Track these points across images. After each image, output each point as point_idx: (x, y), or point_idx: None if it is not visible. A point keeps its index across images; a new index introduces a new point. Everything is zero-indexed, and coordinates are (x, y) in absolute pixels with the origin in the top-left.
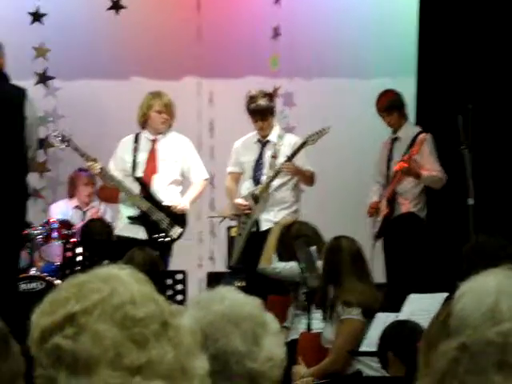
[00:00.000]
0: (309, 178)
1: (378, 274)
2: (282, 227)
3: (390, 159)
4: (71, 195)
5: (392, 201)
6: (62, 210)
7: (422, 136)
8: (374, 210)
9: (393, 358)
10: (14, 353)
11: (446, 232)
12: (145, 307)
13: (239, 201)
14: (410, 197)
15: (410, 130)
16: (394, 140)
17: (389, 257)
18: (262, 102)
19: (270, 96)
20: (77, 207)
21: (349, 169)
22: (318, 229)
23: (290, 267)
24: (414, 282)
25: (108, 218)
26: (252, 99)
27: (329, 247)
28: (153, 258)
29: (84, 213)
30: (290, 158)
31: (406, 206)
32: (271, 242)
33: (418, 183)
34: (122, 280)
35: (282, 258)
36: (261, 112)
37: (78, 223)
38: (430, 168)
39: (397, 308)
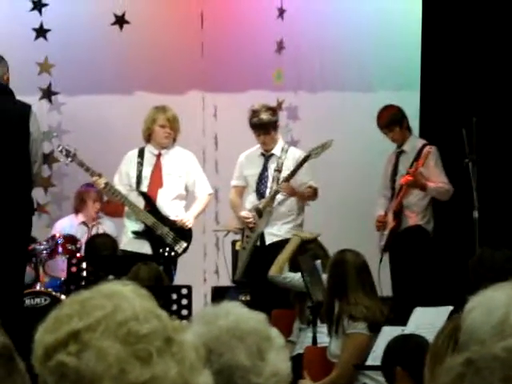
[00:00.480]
0: (308, 197)
1: (386, 287)
2: (301, 240)
3: (395, 173)
4: (77, 210)
5: (399, 214)
6: (67, 225)
7: (427, 149)
8: (381, 224)
9: (401, 373)
10: (19, 369)
11: (452, 245)
12: (148, 323)
13: (244, 214)
14: (417, 209)
15: (414, 142)
16: (399, 153)
17: (395, 270)
18: (265, 116)
19: (273, 110)
20: (83, 223)
21: (353, 182)
22: (322, 243)
23: (299, 277)
24: (420, 296)
25: (112, 232)
26: (254, 113)
27: (333, 261)
28: (158, 272)
29: (89, 229)
30: (288, 178)
31: (413, 219)
32: (287, 251)
33: (424, 195)
34: (125, 296)
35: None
36: (263, 126)
37: (83, 239)
38: (436, 180)
39: (403, 321)
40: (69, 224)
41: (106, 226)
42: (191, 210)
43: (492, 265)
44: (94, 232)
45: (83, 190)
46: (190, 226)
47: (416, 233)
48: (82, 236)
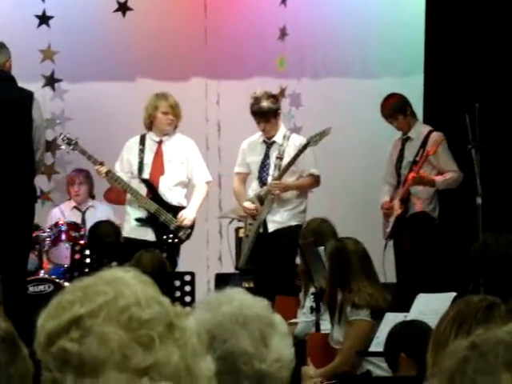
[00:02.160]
0: (308, 186)
1: (390, 274)
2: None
3: (401, 159)
4: (70, 197)
5: (406, 201)
6: (57, 213)
7: (437, 137)
8: (388, 211)
9: (406, 359)
10: (22, 355)
11: (455, 232)
12: (150, 309)
13: (247, 204)
14: (424, 196)
15: (420, 129)
16: (405, 140)
17: (399, 256)
18: (265, 104)
19: (275, 97)
20: (75, 208)
21: (356, 169)
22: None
23: None
24: (424, 282)
25: (107, 216)
26: (255, 101)
27: (333, 249)
28: (160, 259)
29: (83, 213)
30: (279, 176)
31: (418, 205)
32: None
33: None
34: (127, 282)
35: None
36: (263, 114)
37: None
38: (446, 167)
39: (406, 308)
40: (60, 211)
41: (101, 209)
42: (191, 205)
43: (496, 250)
44: (87, 216)
45: (67, 176)
46: (189, 224)
47: (422, 219)
48: (77, 221)
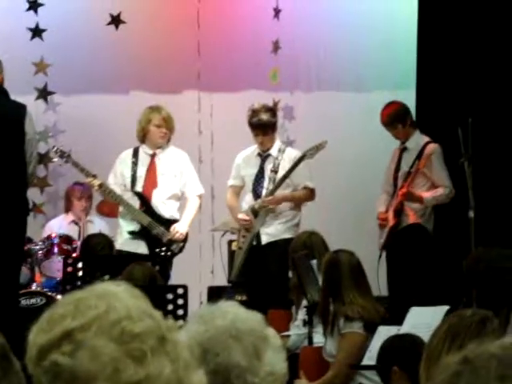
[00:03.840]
0: (302, 199)
1: (384, 286)
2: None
3: (397, 169)
4: (67, 210)
5: (399, 212)
6: (56, 226)
7: (429, 149)
8: (383, 222)
9: (398, 372)
10: (15, 369)
11: (448, 245)
12: (142, 322)
13: (241, 216)
14: (417, 207)
15: (418, 139)
16: (403, 150)
17: (392, 269)
18: (264, 116)
19: (273, 111)
20: (73, 222)
21: (349, 182)
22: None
23: None
24: (416, 295)
25: (104, 231)
26: (254, 113)
27: (328, 261)
28: (152, 272)
29: (80, 228)
30: (273, 191)
31: (412, 216)
32: None
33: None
34: (118, 296)
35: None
36: (262, 127)
37: (76, 238)
38: (437, 181)
39: (399, 321)
40: (58, 224)
41: (97, 224)
42: (183, 219)
43: (489, 264)
44: (85, 230)
45: (69, 189)
46: (181, 238)
47: (415, 231)
48: (74, 235)
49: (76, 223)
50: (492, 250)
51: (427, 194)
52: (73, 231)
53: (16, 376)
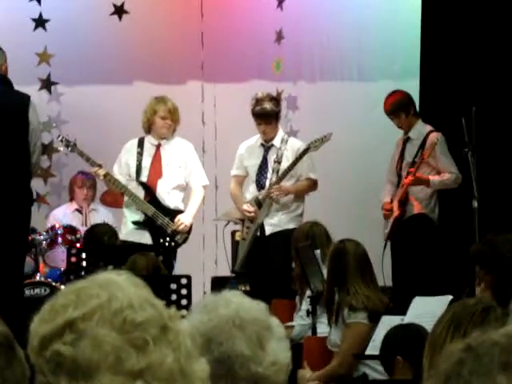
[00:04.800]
0: (306, 190)
1: (389, 276)
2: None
3: (401, 159)
4: (71, 199)
5: (404, 202)
6: (60, 214)
7: (432, 138)
8: (388, 212)
9: (402, 362)
10: (19, 359)
11: (451, 235)
12: (144, 311)
13: (245, 207)
14: (422, 197)
15: (421, 129)
16: (406, 140)
17: (396, 259)
18: (268, 105)
19: (277, 100)
20: (76, 210)
21: (352, 172)
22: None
23: None
24: (421, 285)
25: (108, 219)
26: (258, 102)
27: (334, 251)
28: (155, 262)
29: (83, 216)
30: (278, 181)
31: (417, 206)
32: None
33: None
34: (120, 285)
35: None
36: (265, 116)
37: (79, 226)
38: (443, 169)
39: (403, 311)
40: (62, 213)
41: (102, 213)
42: (188, 210)
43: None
44: (89, 219)
45: (72, 177)
46: (185, 229)
47: (420, 221)
48: (78, 224)
49: (79, 211)
50: (501, 236)
51: (434, 178)
52: (77, 219)
53: (20, 365)
